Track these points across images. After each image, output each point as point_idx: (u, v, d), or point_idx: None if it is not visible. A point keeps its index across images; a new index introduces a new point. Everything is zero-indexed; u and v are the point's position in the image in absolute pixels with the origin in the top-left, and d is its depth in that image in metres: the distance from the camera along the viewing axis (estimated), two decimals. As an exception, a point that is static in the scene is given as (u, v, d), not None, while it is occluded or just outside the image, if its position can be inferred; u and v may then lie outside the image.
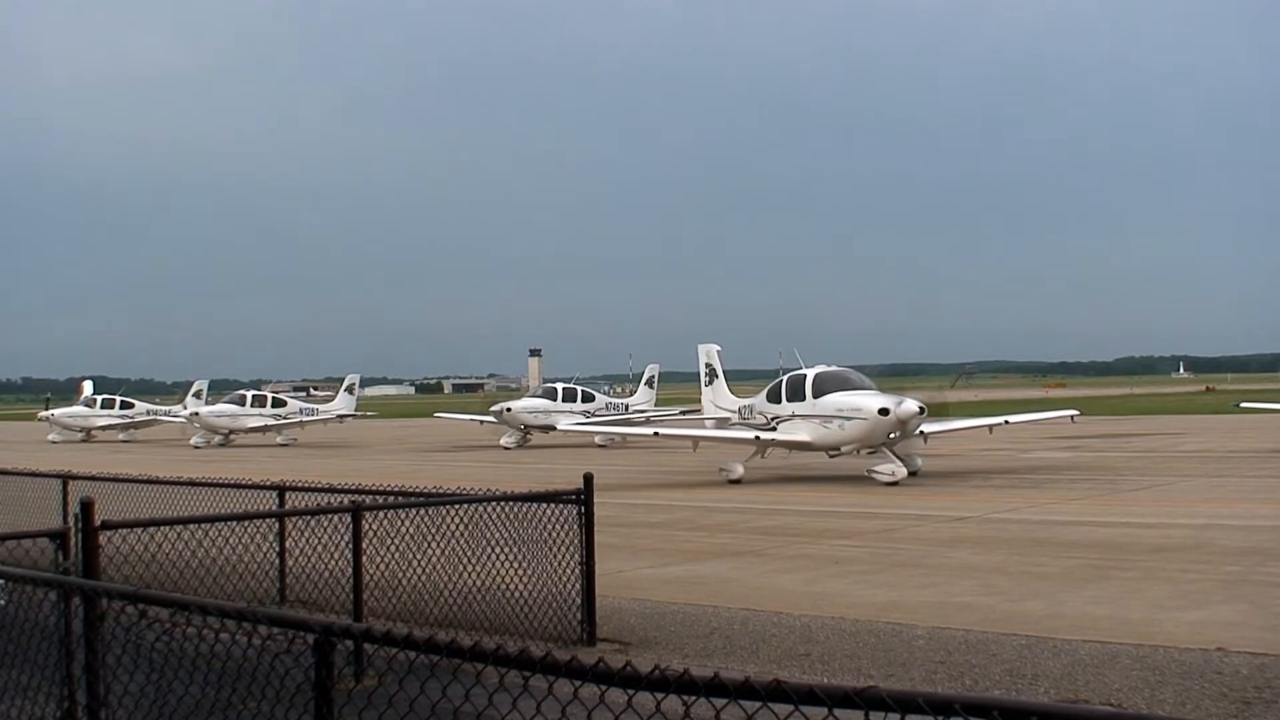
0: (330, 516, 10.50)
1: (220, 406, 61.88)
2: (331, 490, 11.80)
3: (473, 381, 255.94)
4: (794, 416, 32.14)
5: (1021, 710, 3.01)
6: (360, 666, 9.19)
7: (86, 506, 7.96)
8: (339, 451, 52.62)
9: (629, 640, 11.68)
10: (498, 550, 11.22)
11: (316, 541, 10.59)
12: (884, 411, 29.39)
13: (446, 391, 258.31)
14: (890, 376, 37.97)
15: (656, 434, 38.44)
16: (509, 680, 3.90)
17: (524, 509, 11.43)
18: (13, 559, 7.49)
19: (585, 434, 45.30)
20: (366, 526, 10.43)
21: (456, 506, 11.14)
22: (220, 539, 10.17)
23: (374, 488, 11.78)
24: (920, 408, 29.66)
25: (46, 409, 79.52)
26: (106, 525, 8.18)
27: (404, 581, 10.99)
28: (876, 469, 29.45)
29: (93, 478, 14.58)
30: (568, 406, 52.79)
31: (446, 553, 10.98)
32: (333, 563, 10.55)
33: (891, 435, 29.72)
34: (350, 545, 10.22)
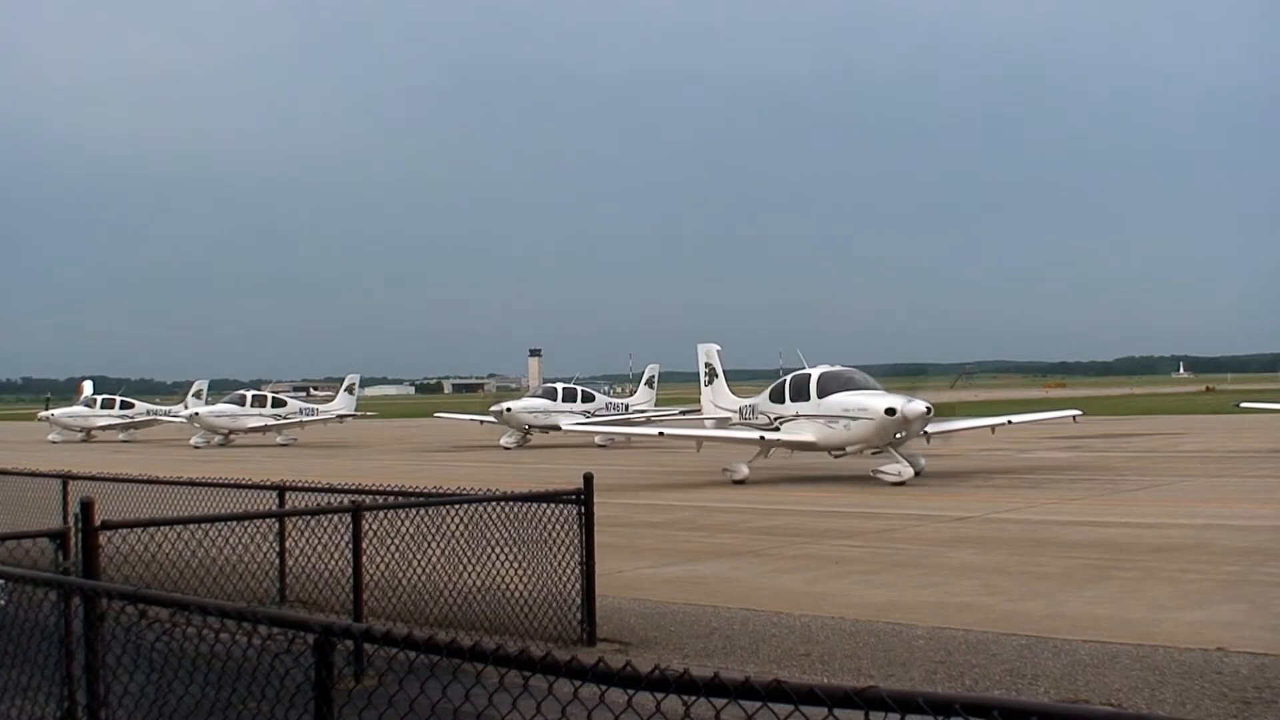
0: (330, 516, 10.50)
1: (220, 406, 61.88)
2: (331, 490, 11.80)
3: (473, 381, 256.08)
4: (798, 416, 31.96)
5: (1021, 710, 3.01)
6: (360, 666, 9.19)
7: (86, 506, 7.96)
8: (339, 451, 52.62)
9: (629, 640, 11.68)
10: (498, 550, 11.22)
11: (316, 541, 10.59)
12: (891, 411, 29.26)
13: (446, 391, 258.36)
14: (894, 376, 37.74)
15: (661, 434, 38.24)
16: (509, 680, 3.90)
17: (524, 509, 11.43)
18: (13, 559, 7.49)
19: (585, 434, 45.28)
20: (366, 526, 10.43)
21: (456, 506, 11.14)
22: (220, 539, 10.16)
23: (374, 488, 11.78)
24: (927, 408, 29.57)
25: (46, 409, 79.53)
26: (106, 525, 8.18)
27: (404, 581, 10.99)
28: (883, 469, 29.31)
29: (93, 478, 14.58)
30: (568, 406, 52.79)
31: (446, 553, 10.98)
32: (333, 563, 10.55)
33: (898, 435, 29.61)
34: (350, 545, 10.22)
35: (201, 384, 71.46)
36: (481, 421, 55.68)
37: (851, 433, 30.42)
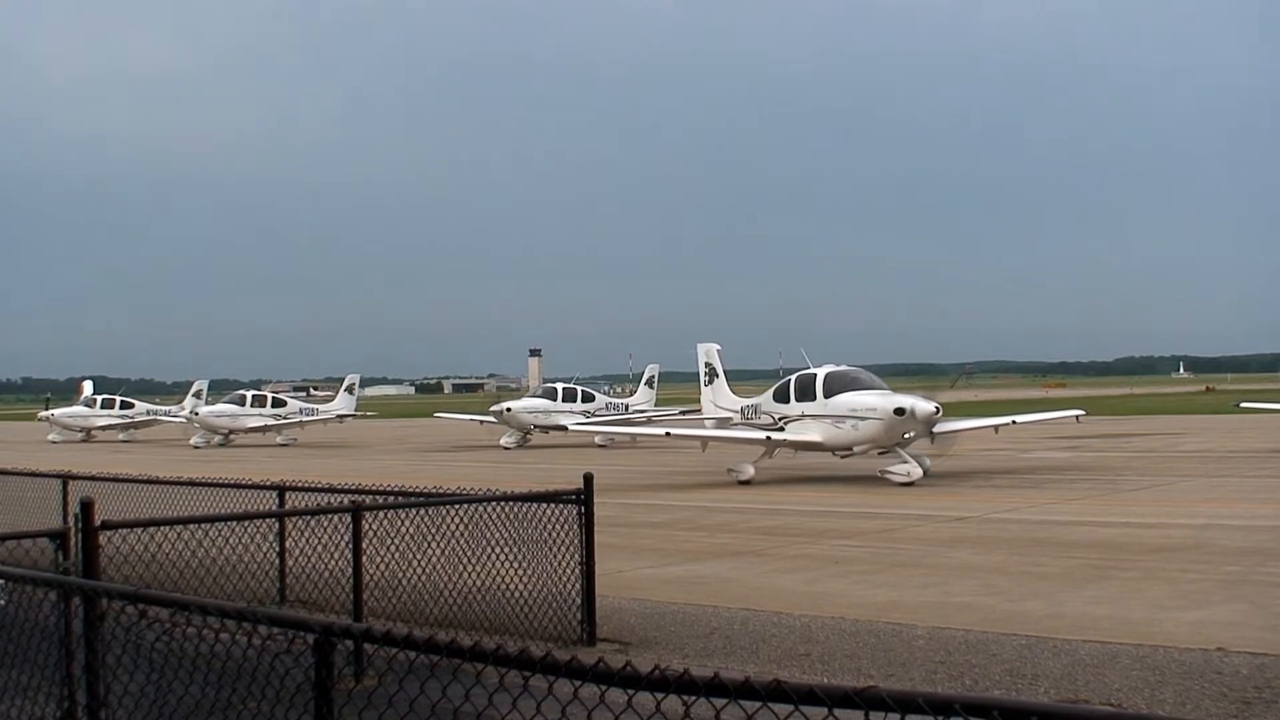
0: (330, 516, 10.50)
1: (220, 406, 61.86)
2: (331, 490, 11.80)
3: (473, 381, 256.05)
4: (804, 416, 31.71)
5: (1021, 710, 3.01)
6: (360, 666, 9.19)
7: (86, 506, 7.96)
8: (339, 451, 52.62)
9: (629, 640, 11.68)
10: (498, 550, 11.22)
11: (316, 541, 10.58)
12: (900, 411, 29.10)
13: (446, 391, 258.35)
14: (896, 376, 37.64)
15: (668, 434, 37.83)
16: (509, 680, 3.90)
17: (524, 509, 11.43)
18: (13, 559, 7.49)
19: (585, 434, 45.21)
20: (366, 526, 10.43)
21: (456, 506, 11.13)
22: (220, 539, 10.16)
23: (374, 488, 11.78)
24: (936, 408, 29.38)
25: (46, 409, 79.52)
26: (106, 525, 8.17)
27: (404, 581, 10.98)
28: (891, 469, 29.12)
29: (93, 478, 14.57)
30: (568, 406, 52.78)
31: (446, 553, 10.98)
32: (333, 563, 10.55)
33: (906, 436, 29.47)
34: (350, 545, 10.22)
35: (201, 384, 71.42)
36: (481, 421, 55.67)
37: (859, 433, 30.21)
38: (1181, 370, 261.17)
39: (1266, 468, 32.05)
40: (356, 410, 68.12)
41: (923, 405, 29.18)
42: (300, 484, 12.67)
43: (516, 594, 11.24)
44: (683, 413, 51.86)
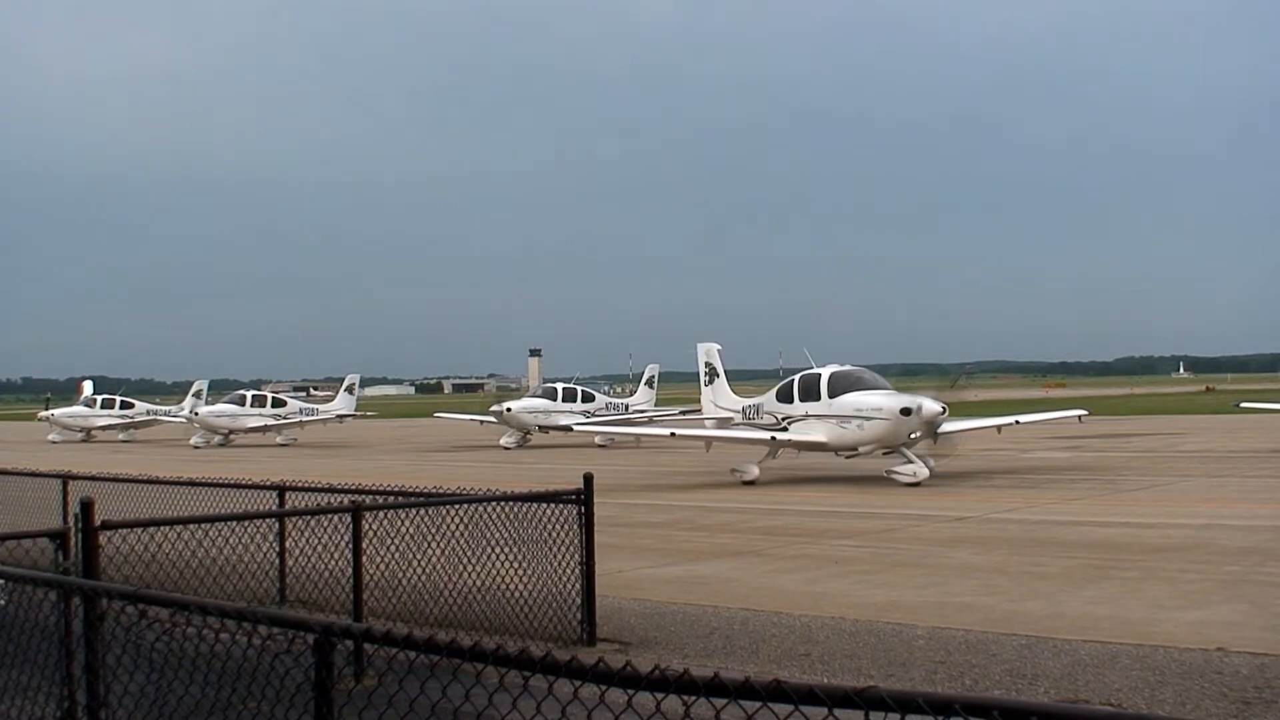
0: (330, 516, 10.50)
1: (220, 406, 61.87)
2: (331, 490, 11.80)
3: (473, 381, 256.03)
4: (808, 416, 31.53)
5: (1021, 710, 3.01)
6: (360, 666, 9.19)
7: (86, 506, 7.96)
8: (339, 451, 52.62)
9: (629, 640, 11.68)
10: (498, 550, 11.22)
11: (316, 541, 10.58)
12: (907, 411, 28.97)
13: (446, 391, 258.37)
14: (900, 377, 37.53)
15: (673, 435, 37.45)
16: (509, 680, 3.90)
17: (524, 509, 11.43)
18: (13, 559, 7.49)
19: (584, 434, 45.15)
20: (366, 526, 10.43)
21: (456, 506, 11.13)
22: (220, 539, 10.16)
23: (374, 488, 11.78)
24: (943, 408, 29.28)
25: (46, 409, 79.51)
26: (106, 525, 8.17)
27: (404, 581, 10.98)
28: (898, 470, 28.99)
29: (93, 478, 14.57)
30: (568, 406, 52.78)
31: (446, 553, 10.98)
32: (333, 563, 10.55)
33: (912, 436, 29.33)
34: (350, 545, 10.22)
35: (201, 384, 71.42)
36: (481, 421, 55.68)
37: (865, 433, 30.06)
38: (1181, 370, 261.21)
39: (1266, 468, 32.05)
40: (356, 410, 68.12)
41: (929, 405, 29.03)
42: (300, 484, 12.67)
43: (516, 594, 11.24)
44: (683, 413, 51.78)
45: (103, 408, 70.50)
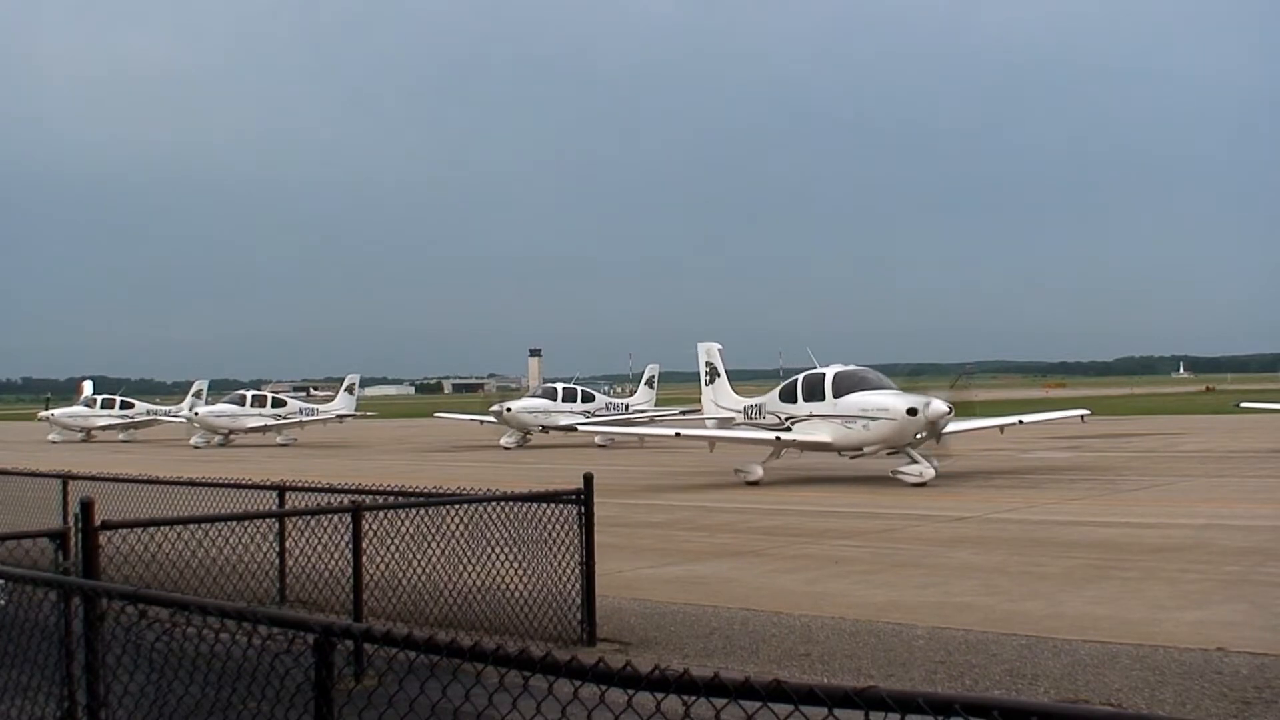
0: (330, 516, 10.50)
1: (220, 406, 61.86)
2: (331, 490, 11.80)
3: (473, 381, 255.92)
4: (812, 416, 31.35)
5: (1021, 710, 3.01)
6: (360, 666, 9.19)
7: (86, 506, 7.96)
8: (339, 451, 52.62)
9: (629, 640, 11.68)
10: (498, 550, 11.22)
11: (316, 541, 10.58)
12: (913, 411, 28.81)
13: (446, 391, 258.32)
14: (900, 377, 37.40)
15: (678, 435, 37.33)
16: (509, 680, 3.90)
17: (524, 509, 11.43)
18: (13, 559, 7.49)
19: (584, 434, 45.09)
20: (366, 526, 10.43)
21: (456, 506, 11.13)
22: (220, 539, 10.16)
23: (374, 488, 11.78)
24: (949, 408, 29.15)
25: (46, 409, 79.50)
26: (106, 525, 8.17)
27: (404, 581, 10.98)
28: (903, 470, 28.86)
29: (93, 478, 14.57)
30: (568, 406, 52.77)
31: (446, 553, 10.98)
32: (333, 563, 10.55)
33: (918, 436, 29.21)
34: (350, 545, 10.22)
35: (201, 384, 71.43)
36: (481, 421, 55.68)
37: (870, 433, 29.89)
38: (1181, 370, 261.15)
39: (1266, 468, 32.05)
40: (356, 410, 68.12)
41: (936, 405, 28.88)
42: (300, 484, 12.67)
43: (516, 594, 11.24)
44: (683, 413, 51.75)
45: (103, 408, 70.49)
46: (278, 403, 62.80)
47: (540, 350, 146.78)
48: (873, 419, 29.75)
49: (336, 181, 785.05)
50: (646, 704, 3.65)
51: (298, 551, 11.21)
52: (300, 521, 11.23)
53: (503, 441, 51.28)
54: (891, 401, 29.66)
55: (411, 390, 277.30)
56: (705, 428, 37.97)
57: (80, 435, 69.01)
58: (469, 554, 11.09)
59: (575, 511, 11.38)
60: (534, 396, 55.41)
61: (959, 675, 10.15)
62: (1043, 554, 17.21)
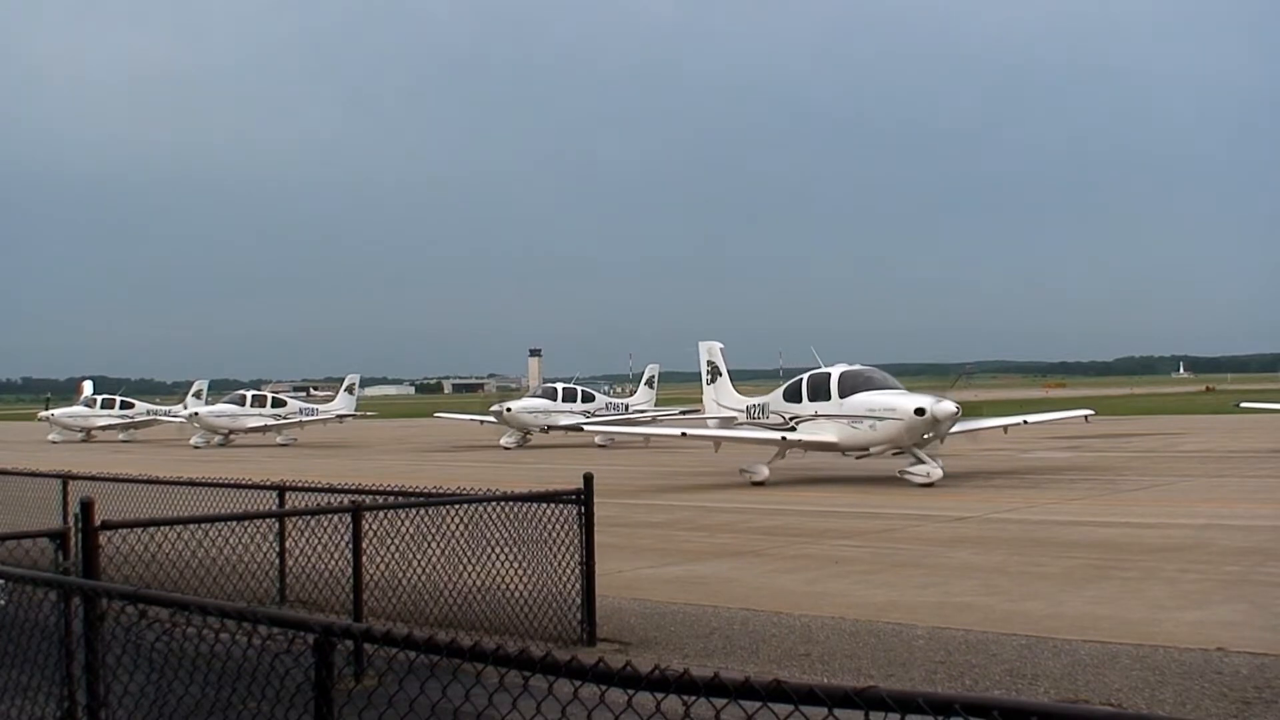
0: (330, 516, 10.49)
1: (220, 406, 61.89)
2: (331, 490, 11.80)
3: (473, 381, 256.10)
4: (817, 416, 31.14)
5: (1021, 710, 3.01)
6: (360, 666, 9.19)
7: (86, 506, 7.96)
8: (339, 451, 52.61)
9: (629, 640, 11.68)
10: (498, 550, 11.22)
11: (316, 541, 10.58)
12: (920, 411, 28.64)
13: (446, 391, 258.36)
14: (900, 377, 37.38)
15: (684, 435, 37.14)
16: (509, 680, 3.90)
17: (524, 509, 11.43)
18: (13, 559, 7.49)
19: (584, 434, 45.04)
20: (366, 526, 10.43)
21: (456, 506, 11.13)
22: (220, 539, 10.17)
23: (374, 488, 11.78)
24: (957, 407, 29.02)
25: (46, 409, 79.51)
26: (106, 525, 8.17)
27: (404, 581, 10.98)
28: (911, 470, 28.70)
29: (93, 478, 14.57)
30: (568, 406, 52.78)
31: (446, 553, 10.98)
32: (333, 563, 10.55)
33: (925, 436, 29.06)
34: (350, 545, 10.22)
35: (201, 384, 71.47)
36: (481, 422, 55.68)
37: (877, 433, 29.72)
38: (1181, 370, 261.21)
39: (1266, 468, 32.05)
40: (356, 410, 68.13)
41: (944, 405, 28.73)
42: (300, 484, 12.66)
43: (516, 594, 11.24)
44: (683, 412, 51.75)
45: (103, 408, 70.49)
46: (278, 403, 62.81)
47: (540, 350, 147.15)
48: (880, 419, 29.55)
49: (336, 181, 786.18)
50: (646, 704, 3.65)
51: (298, 551, 11.21)
52: (300, 521, 11.23)
53: (503, 441, 51.28)
54: (899, 401, 29.47)
55: (411, 390, 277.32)
56: (708, 427, 37.88)
57: (80, 435, 69.01)
58: (469, 554, 11.08)
59: (575, 511, 11.38)
60: (534, 396, 55.42)
61: (959, 675, 10.15)
62: (1043, 554, 17.21)
